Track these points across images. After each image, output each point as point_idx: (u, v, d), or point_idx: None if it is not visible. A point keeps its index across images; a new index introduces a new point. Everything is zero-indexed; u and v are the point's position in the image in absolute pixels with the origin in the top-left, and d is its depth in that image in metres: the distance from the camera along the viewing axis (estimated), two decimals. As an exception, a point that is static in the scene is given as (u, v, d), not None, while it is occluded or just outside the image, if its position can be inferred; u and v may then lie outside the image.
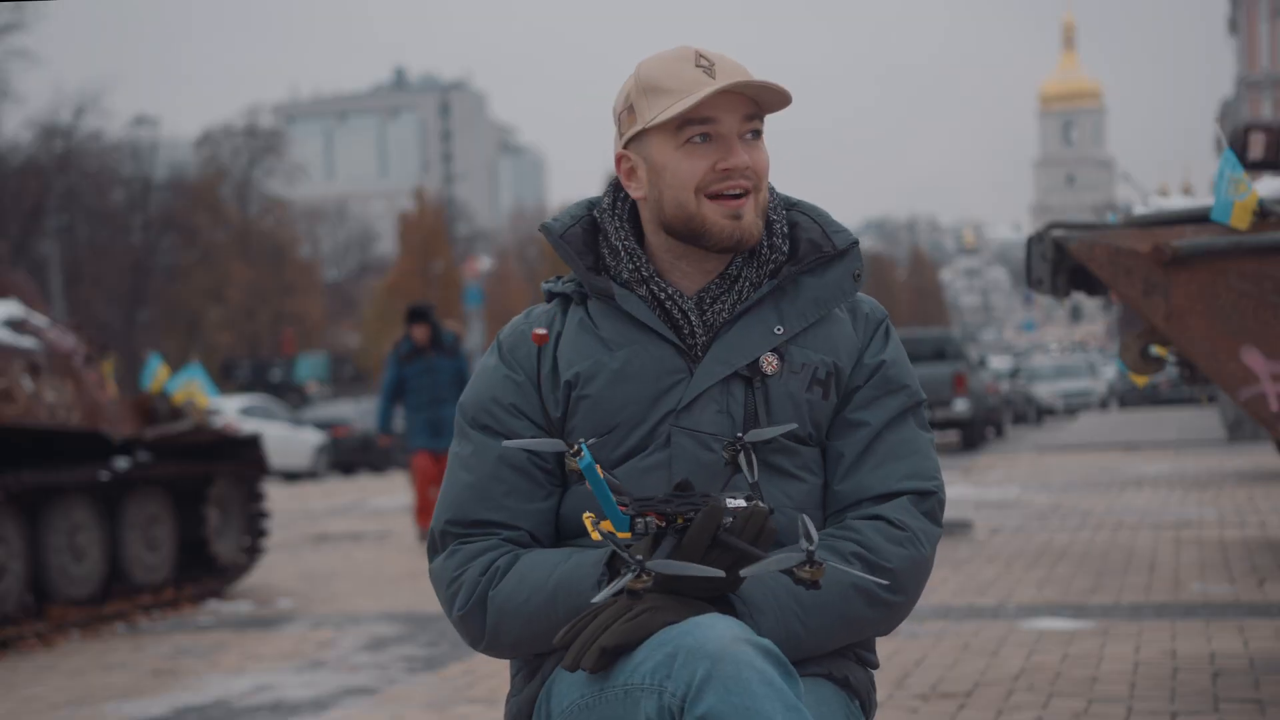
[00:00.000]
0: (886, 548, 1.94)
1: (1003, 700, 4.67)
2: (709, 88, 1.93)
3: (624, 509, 1.73)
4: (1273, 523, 9.37)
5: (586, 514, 1.80)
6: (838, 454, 2.01)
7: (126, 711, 5.57)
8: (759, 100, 1.98)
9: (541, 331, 1.85)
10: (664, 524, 1.74)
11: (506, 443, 1.91)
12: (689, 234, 2.00)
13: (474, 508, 1.99)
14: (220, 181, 51.42)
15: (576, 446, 1.71)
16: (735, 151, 1.97)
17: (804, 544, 1.67)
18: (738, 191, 1.97)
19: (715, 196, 1.97)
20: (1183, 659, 5.16)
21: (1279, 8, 51.58)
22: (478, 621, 1.96)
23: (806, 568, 1.67)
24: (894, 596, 1.93)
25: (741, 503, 1.75)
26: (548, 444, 1.80)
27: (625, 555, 1.69)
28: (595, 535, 1.75)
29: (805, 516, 1.70)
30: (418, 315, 10.93)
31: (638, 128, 2.01)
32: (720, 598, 1.82)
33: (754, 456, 1.86)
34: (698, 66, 1.97)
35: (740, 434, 1.88)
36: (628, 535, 1.73)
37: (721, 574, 1.69)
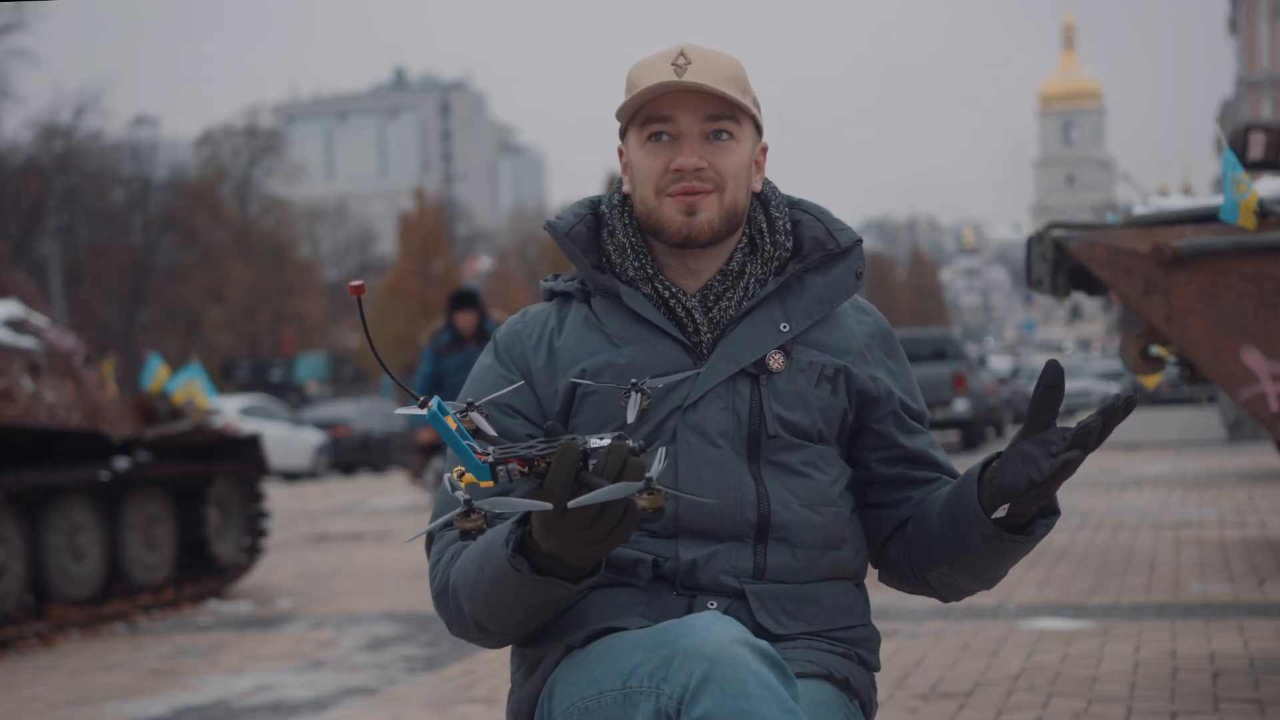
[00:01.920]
0: None
1: (1003, 700, 4.67)
2: (656, 83, 1.95)
3: (483, 458, 1.68)
4: (1273, 523, 9.37)
5: (456, 468, 1.73)
6: (895, 477, 2.08)
7: (126, 711, 5.57)
8: (731, 101, 1.98)
9: (358, 283, 1.72)
10: (527, 470, 1.69)
11: (400, 410, 1.84)
12: (651, 229, 2.02)
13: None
14: (220, 181, 51.41)
15: (423, 400, 1.65)
16: (685, 152, 1.97)
17: (647, 473, 1.64)
18: (694, 192, 1.98)
19: (673, 194, 1.99)
20: (1183, 659, 5.16)
21: (1279, 8, 51.58)
22: (444, 601, 1.96)
23: (645, 495, 1.63)
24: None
25: (605, 441, 1.70)
26: (410, 408, 1.71)
27: (458, 495, 1.65)
28: (462, 484, 1.69)
29: (664, 448, 1.70)
30: (464, 301, 9.65)
31: (620, 124, 2.05)
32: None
33: (641, 399, 1.80)
34: (673, 64, 1.97)
35: (633, 380, 1.82)
36: (490, 484, 1.68)
37: (549, 506, 1.64)
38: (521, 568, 1.77)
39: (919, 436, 2.09)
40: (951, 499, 1.96)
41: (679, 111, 1.98)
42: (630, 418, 1.78)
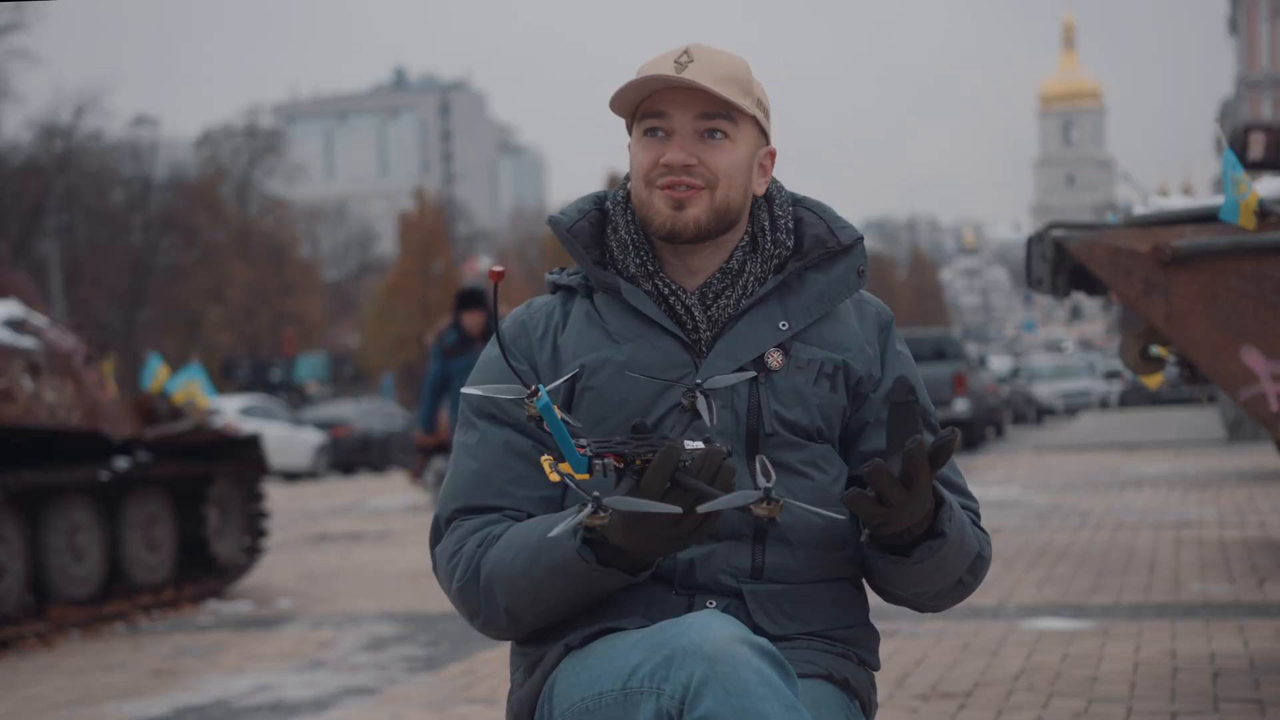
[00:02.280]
0: (982, 538, 2.05)
1: (1003, 700, 4.67)
2: (648, 77, 1.97)
3: (582, 450, 1.72)
4: (1273, 523, 9.37)
5: (545, 457, 1.78)
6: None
7: (126, 711, 5.57)
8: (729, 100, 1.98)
9: (499, 269, 1.78)
10: (622, 465, 1.74)
11: (464, 389, 1.91)
12: (642, 221, 2.04)
13: (479, 494, 2.00)
14: (220, 181, 51.41)
15: (534, 388, 1.70)
16: (675, 148, 1.98)
17: (761, 482, 1.70)
18: (681, 187, 1.98)
19: (662, 188, 2.00)
20: (1183, 659, 5.16)
21: (1279, 8, 51.57)
22: (473, 592, 1.96)
23: (764, 504, 1.69)
24: (973, 578, 2.04)
25: (699, 445, 1.77)
26: (507, 389, 1.78)
27: (582, 492, 1.70)
28: (554, 476, 1.74)
29: (763, 457, 1.74)
30: (471, 300, 9.23)
31: (627, 121, 2.06)
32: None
33: (713, 403, 1.87)
34: (675, 62, 1.99)
35: (699, 380, 1.88)
36: (586, 477, 1.73)
37: (679, 510, 1.69)
38: (589, 559, 1.82)
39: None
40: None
41: (673, 108, 1.99)
42: (710, 420, 1.85)
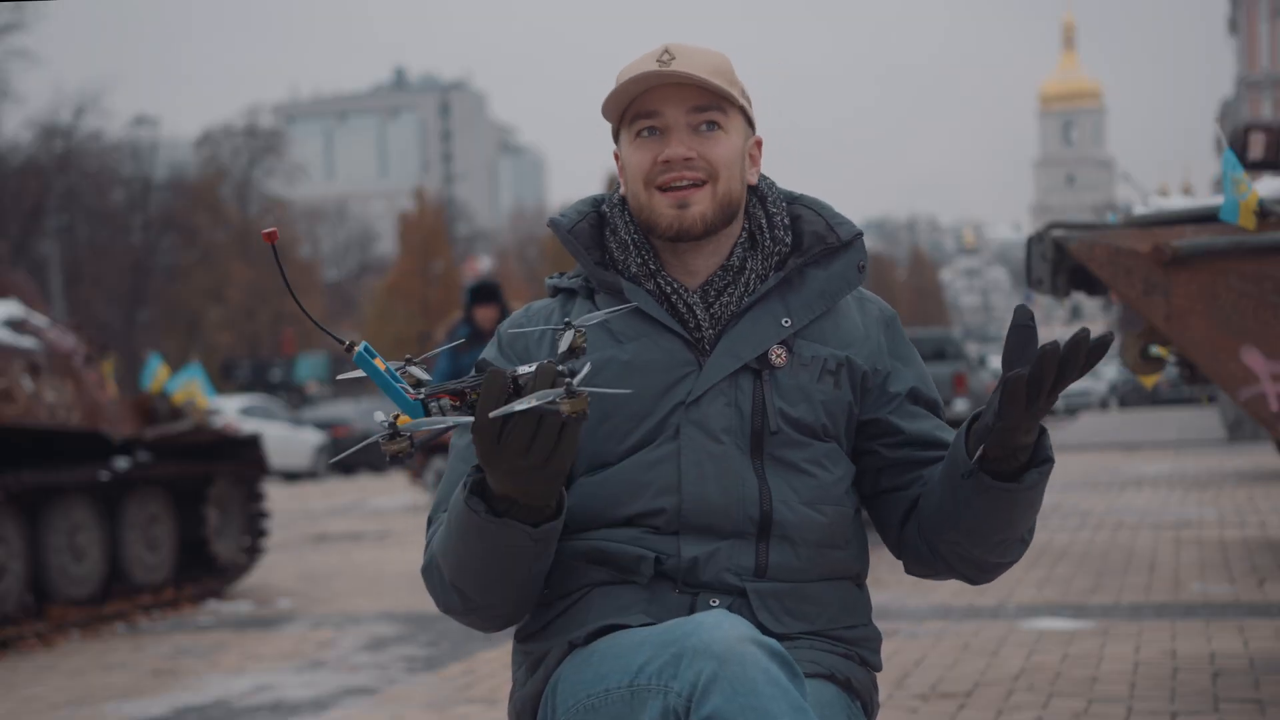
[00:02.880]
0: None
1: (1003, 700, 4.67)
2: (637, 75, 1.97)
3: (415, 396, 1.70)
4: (1273, 523, 9.37)
5: (377, 414, 1.74)
6: (907, 458, 2.05)
7: (126, 711, 5.57)
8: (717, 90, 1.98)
9: (270, 230, 1.72)
10: (459, 403, 1.72)
11: (340, 376, 1.88)
12: (645, 225, 2.03)
13: None
14: (220, 181, 51.41)
15: (349, 344, 1.67)
16: (673, 143, 1.98)
17: (571, 381, 1.65)
18: (683, 183, 1.98)
19: (664, 188, 1.99)
20: (1183, 659, 5.16)
21: (1279, 8, 51.57)
22: (430, 571, 1.96)
23: (567, 400, 1.64)
24: (1030, 536, 2.01)
25: (530, 369, 1.71)
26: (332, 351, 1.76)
27: (389, 420, 1.66)
28: (401, 422, 1.69)
29: (589, 363, 1.70)
30: (485, 295, 8.79)
31: (613, 127, 2.06)
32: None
33: (575, 335, 1.78)
34: (657, 61, 1.99)
35: (566, 319, 1.83)
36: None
37: (469, 418, 1.67)
38: (478, 509, 1.79)
39: (925, 420, 2.07)
40: (947, 457, 1.95)
41: (665, 105, 1.99)
42: (562, 347, 1.77)
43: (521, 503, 1.78)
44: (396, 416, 1.69)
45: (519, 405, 1.64)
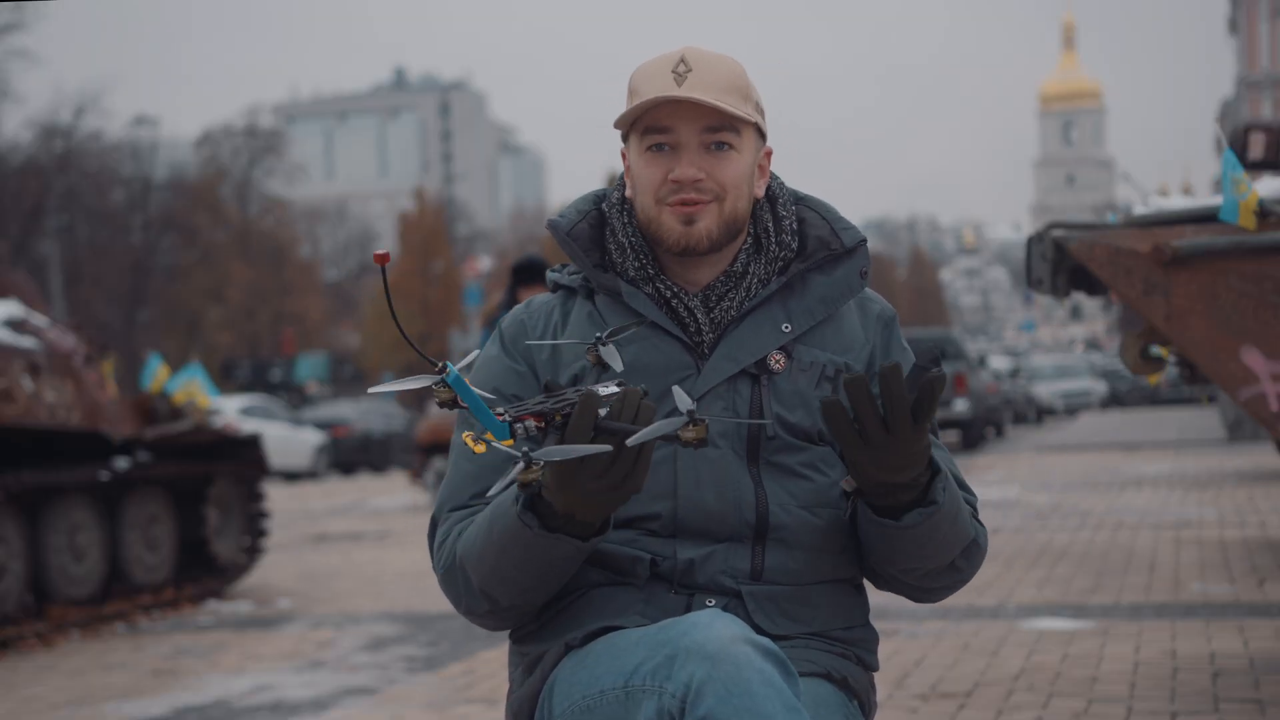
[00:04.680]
0: (979, 527, 2.02)
1: (1003, 700, 4.67)
2: (654, 96, 1.95)
3: (501, 417, 1.71)
4: (1273, 523, 9.37)
5: (465, 434, 1.76)
6: None
7: (126, 711, 5.57)
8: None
9: (383, 252, 1.74)
10: (544, 424, 1.72)
11: (372, 389, 1.87)
12: (651, 237, 2.03)
13: (474, 494, 2.00)
14: (220, 181, 51.41)
15: (441, 364, 1.68)
16: (683, 163, 1.97)
17: (683, 405, 1.66)
18: (691, 202, 1.98)
19: (672, 205, 1.99)
20: (1183, 659, 5.16)
21: (1279, 8, 51.56)
22: (452, 577, 1.96)
23: (690, 428, 1.66)
24: (966, 563, 1.99)
25: (614, 389, 1.74)
26: (415, 381, 1.74)
27: (508, 450, 1.68)
28: (478, 448, 1.72)
29: (678, 387, 1.70)
30: (532, 273, 7.73)
31: (621, 129, 2.05)
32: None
33: (616, 349, 1.83)
34: (673, 72, 1.97)
35: (598, 334, 1.86)
36: (510, 443, 1.71)
37: (607, 449, 1.67)
38: (531, 524, 1.80)
39: None
40: None
41: (678, 122, 1.97)
42: (617, 367, 1.81)
43: (577, 518, 1.80)
44: (478, 437, 1.71)
45: (651, 433, 1.66)
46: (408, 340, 1.80)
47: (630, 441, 1.67)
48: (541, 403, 1.74)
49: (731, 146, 1.98)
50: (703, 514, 1.94)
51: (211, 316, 49.08)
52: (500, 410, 1.71)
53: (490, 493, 1.73)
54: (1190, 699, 4.53)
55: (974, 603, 6.72)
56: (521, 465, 1.67)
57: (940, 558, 1.95)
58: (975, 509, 2.05)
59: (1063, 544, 8.83)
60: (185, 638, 7.44)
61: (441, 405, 1.70)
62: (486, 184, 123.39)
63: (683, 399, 1.67)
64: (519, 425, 1.70)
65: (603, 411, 1.72)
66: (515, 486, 1.77)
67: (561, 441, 1.71)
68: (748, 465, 1.96)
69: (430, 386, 1.68)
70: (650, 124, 1.99)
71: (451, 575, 1.96)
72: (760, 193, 2.06)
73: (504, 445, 1.69)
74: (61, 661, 6.86)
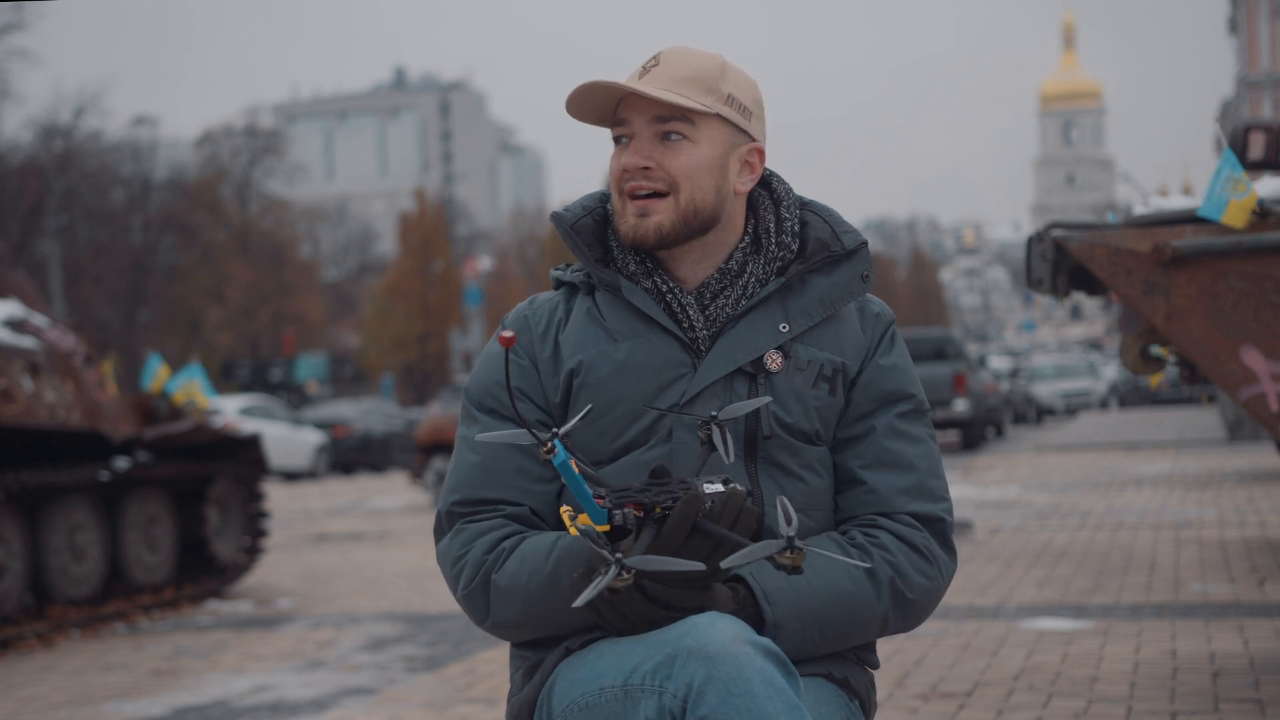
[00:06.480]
0: (914, 578, 1.96)
1: (1003, 700, 4.67)
2: (585, 83, 1.98)
3: (601, 501, 1.71)
4: (1273, 523, 9.37)
5: (564, 508, 1.78)
6: (843, 466, 2.02)
7: (126, 711, 5.57)
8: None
9: (508, 335, 1.76)
10: (642, 514, 1.72)
11: (479, 435, 1.91)
12: (617, 230, 2.05)
13: (480, 487, 2.00)
14: (220, 181, 51.42)
15: (550, 445, 1.68)
16: (631, 152, 2.00)
17: (784, 529, 1.65)
18: (642, 192, 1.99)
19: (632, 196, 2.01)
20: (1183, 659, 5.16)
21: (1279, 8, 51.56)
22: (481, 602, 1.97)
23: (787, 554, 1.65)
24: (902, 622, 1.98)
25: (719, 487, 1.74)
26: (520, 436, 1.77)
27: (604, 554, 1.66)
28: (573, 530, 1.72)
29: (784, 499, 1.69)
30: None
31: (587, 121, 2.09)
32: (732, 580, 1.83)
33: (728, 435, 1.85)
34: (643, 67, 2.01)
35: (714, 412, 1.86)
36: (606, 528, 1.71)
37: (702, 567, 1.67)
38: (607, 618, 1.82)
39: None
40: None
41: (632, 113, 2.00)
42: (728, 457, 1.82)
43: (629, 615, 1.81)
44: (574, 515, 1.73)
45: (745, 557, 1.65)
46: (518, 416, 1.80)
47: (725, 564, 1.67)
48: (643, 490, 1.73)
49: (684, 136, 1.99)
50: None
51: (211, 316, 49.09)
52: (601, 493, 1.71)
53: (577, 602, 1.68)
54: (1190, 699, 4.53)
55: (974, 603, 6.72)
56: (614, 571, 1.65)
57: (852, 639, 1.95)
58: (934, 539, 2.00)
59: (1063, 544, 8.83)
60: (185, 638, 7.44)
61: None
62: (486, 184, 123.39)
63: (784, 521, 1.65)
64: (618, 512, 1.70)
65: (705, 506, 1.71)
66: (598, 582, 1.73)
67: (659, 537, 1.70)
68: (744, 464, 1.96)
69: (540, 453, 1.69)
70: (615, 118, 2.02)
71: (479, 600, 1.97)
72: (742, 189, 2.05)
73: (599, 530, 1.69)
74: (61, 661, 6.86)
